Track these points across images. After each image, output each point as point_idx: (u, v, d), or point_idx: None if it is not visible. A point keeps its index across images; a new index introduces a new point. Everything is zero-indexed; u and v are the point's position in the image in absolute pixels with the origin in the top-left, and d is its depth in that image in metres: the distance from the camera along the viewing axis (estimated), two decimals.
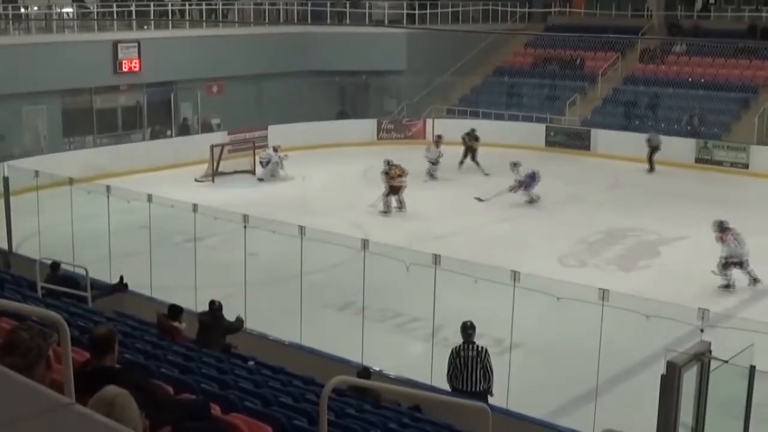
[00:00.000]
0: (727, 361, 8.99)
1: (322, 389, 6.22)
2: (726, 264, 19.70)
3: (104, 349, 6.19)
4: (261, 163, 30.56)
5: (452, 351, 12.79)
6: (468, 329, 12.83)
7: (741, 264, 19.60)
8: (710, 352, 9.01)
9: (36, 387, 3.21)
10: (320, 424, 6.09)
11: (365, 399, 10.80)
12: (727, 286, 19.57)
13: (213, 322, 13.44)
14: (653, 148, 31.93)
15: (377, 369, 13.23)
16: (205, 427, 6.42)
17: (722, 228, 19.97)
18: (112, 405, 3.98)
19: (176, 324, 12.95)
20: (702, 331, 11.04)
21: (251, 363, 12.03)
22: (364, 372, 12.00)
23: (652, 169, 31.88)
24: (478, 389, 12.50)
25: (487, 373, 12.64)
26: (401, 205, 25.89)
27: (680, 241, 22.82)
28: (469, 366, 12.56)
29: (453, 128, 36.16)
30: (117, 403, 4.02)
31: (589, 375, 12.72)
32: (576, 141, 35.01)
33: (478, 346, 12.71)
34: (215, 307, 13.70)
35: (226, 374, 10.08)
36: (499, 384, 12.90)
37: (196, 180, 29.50)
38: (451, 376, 12.66)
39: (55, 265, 16.50)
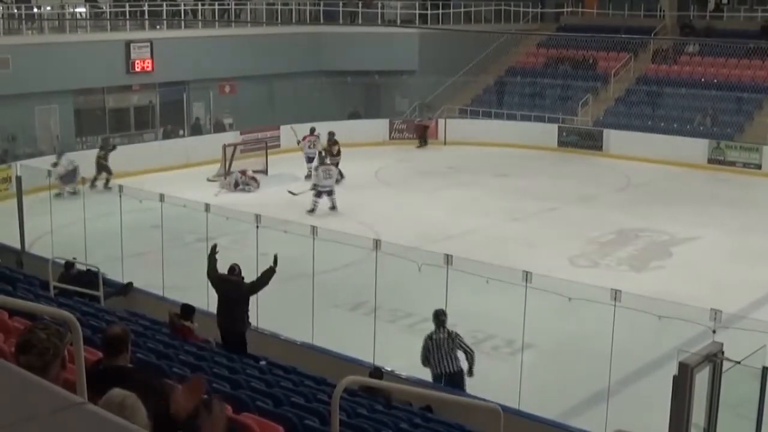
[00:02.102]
0: (739, 362, 8.97)
1: (334, 389, 6.23)
2: (316, 192, 25.55)
3: (118, 348, 6.20)
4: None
5: (427, 338, 13.37)
6: (440, 316, 13.37)
7: (329, 193, 25.62)
8: (722, 353, 9.00)
9: (48, 386, 3.22)
10: (332, 424, 6.10)
11: (376, 399, 10.81)
12: (312, 210, 25.02)
13: (237, 289, 13.56)
14: (424, 128, 35.83)
15: (389, 369, 13.24)
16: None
17: (321, 162, 26.24)
18: (122, 407, 3.99)
19: (188, 324, 12.98)
20: (714, 332, 11.01)
21: (263, 363, 12.06)
22: (377, 372, 12.01)
23: (422, 144, 36.02)
24: (451, 370, 13.14)
25: (467, 353, 13.23)
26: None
27: (692, 242, 22.76)
28: (443, 348, 13.17)
29: (465, 128, 36.28)
30: (126, 405, 4.02)
31: (601, 376, 12.69)
32: (588, 141, 34.95)
33: (448, 330, 13.27)
34: (236, 272, 13.82)
35: (237, 374, 10.11)
36: (510, 384, 12.91)
37: (209, 180, 29.53)
38: (428, 359, 13.28)
39: (69, 264, 16.56)
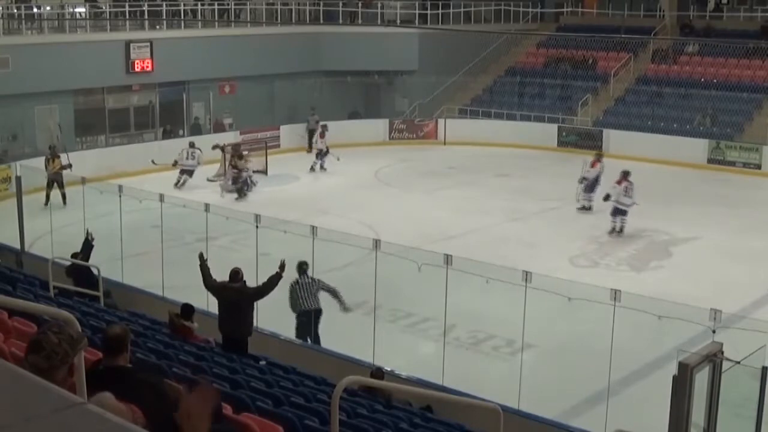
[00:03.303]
0: (739, 362, 8.98)
1: (334, 389, 6.23)
2: (180, 170, 28.48)
3: (118, 348, 6.20)
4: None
5: (292, 284, 15.25)
6: (302, 266, 15.40)
7: (189, 173, 28.52)
8: (722, 352, 9.01)
9: (47, 386, 3.22)
10: (332, 424, 6.10)
11: (376, 399, 10.81)
12: (177, 184, 27.86)
13: (240, 295, 13.52)
14: (311, 131, 34.26)
15: (388, 369, 13.24)
16: (216, 428, 6.43)
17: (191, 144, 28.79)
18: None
19: (188, 323, 12.97)
20: (714, 331, 11.01)
21: (263, 363, 12.06)
22: (378, 372, 12.01)
23: (310, 149, 34.27)
24: (316, 307, 15.31)
25: (332, 292, 15.52)
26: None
27: (692, 242, 22.76)
28: (306, 290, 15.26)
29: (465, 128, 36.28)
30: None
31: (601, 375, 12.69)
32: (588, 141, 34.92)
33: (310, 276, 15.40)
34: (239, 277, 13.77)
35: (237, 374, 10.10)
36: (510, 384, 12.92)
37: (208, 179, 29.52)
38: (296, 302, 15.29)
39: (76, 255, 16.64)
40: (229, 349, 13.01)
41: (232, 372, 10.18)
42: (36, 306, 6.99)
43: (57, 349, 4.55)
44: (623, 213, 23.46)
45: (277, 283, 13.64)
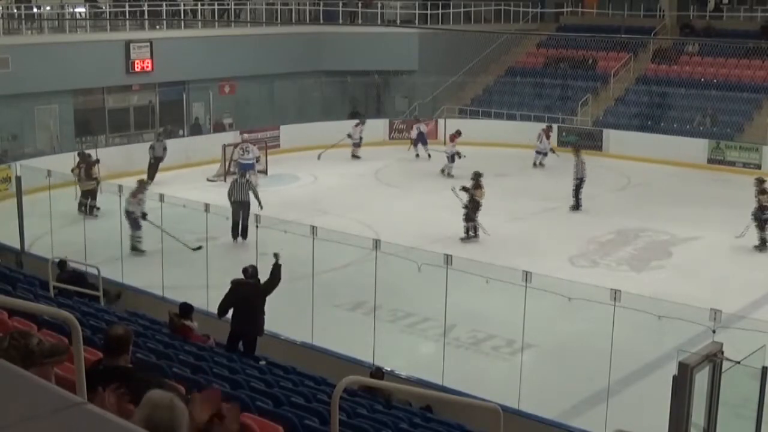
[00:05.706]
0: (739, 362, 8.98)
1: (334, 389, 6.24)
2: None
3: (119, 349, 6.20)
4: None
5: (233, 181, 23.05)
6: (243, 174, 23.63)
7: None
8: (722, 353, 9.01)
9: (48, 386, 3.22)
10: (331, 424, 6.10)
11: (376, 399, 10.82)
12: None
13: (255, 290, 13.50)
14: (157, 159, 29.19)
15: (388, 369, 13.25)
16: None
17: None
18: (171, 409, 3.89)
19: (188, 323, 12.97)
20: (714, 331, 11.01)
21: (262, 363, 12.07)
22: (378, 372, 12.01)
23: (152, 179, 27.85)
24: (244, 199, 21.86)
25: (254, 192, 22.38)
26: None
27: (692, 242, 22.76)
28: (240, 187, 22.26)
29: (465, 128, 36.21)
30: (176, 407, 3.91)
31: (601, 375, 12.70)
32: (588, 141, 34.91)
33: (246, 179, 23.43)
34: (249, 273, 13.77)
35: (237, 374, 10.11)
36: (511, 384, 12.93)
37: (208, 180, 29.51)
38: (232, 193, 22.08)
39: (63, 263, 16.53)
40: (235, 349, 13.02)
41: (232, 372, 10.18)
42: (36, 306, 6.99)
43: (4, 355, 4.54)
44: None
45: (279, 273, 13.64)
